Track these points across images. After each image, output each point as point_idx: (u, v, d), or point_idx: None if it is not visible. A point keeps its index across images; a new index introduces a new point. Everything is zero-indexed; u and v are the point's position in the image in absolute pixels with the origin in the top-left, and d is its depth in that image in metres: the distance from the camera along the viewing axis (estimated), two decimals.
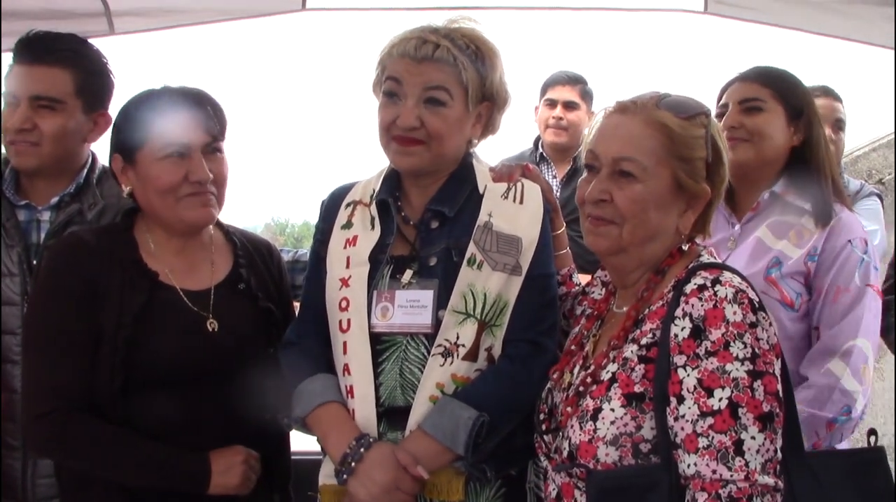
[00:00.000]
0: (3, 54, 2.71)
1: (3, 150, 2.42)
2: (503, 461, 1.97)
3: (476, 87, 2.04)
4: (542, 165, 4.48)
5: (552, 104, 4.41)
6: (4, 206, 2.35)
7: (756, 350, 1.55)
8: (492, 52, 2.08)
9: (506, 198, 2.09)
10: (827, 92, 3.66)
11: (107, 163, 2.52)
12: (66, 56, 2.33)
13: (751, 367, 1.54)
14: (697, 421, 1.53)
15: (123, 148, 2.08)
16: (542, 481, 1.93)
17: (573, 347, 1.91)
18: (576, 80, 4.45)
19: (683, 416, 1.55)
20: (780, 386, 1.56)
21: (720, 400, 1.52)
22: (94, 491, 2.00)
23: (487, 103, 2.10)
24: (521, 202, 2.09)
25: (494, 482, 1.98)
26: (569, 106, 4.40)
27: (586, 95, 4.46)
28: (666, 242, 1.76)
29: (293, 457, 2.32)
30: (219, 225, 2.26)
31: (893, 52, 3.06)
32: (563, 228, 2.24)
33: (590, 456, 1.63)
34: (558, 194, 4.37)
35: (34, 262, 2.30)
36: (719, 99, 2.50)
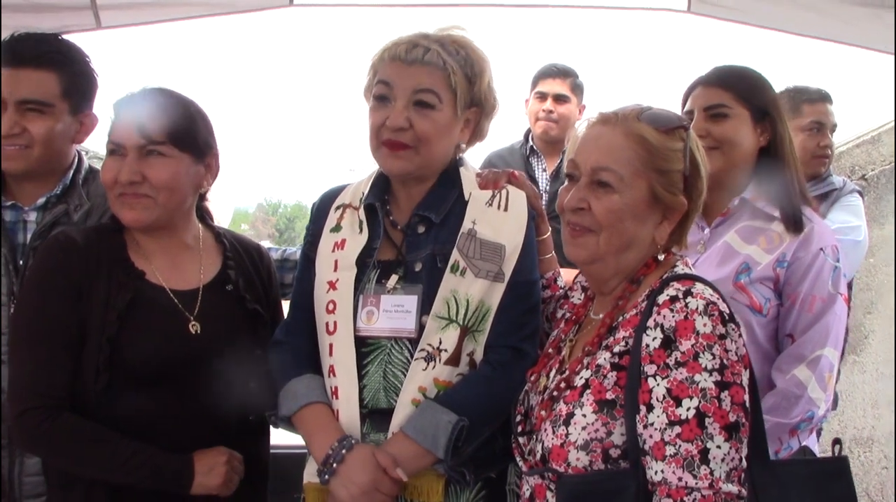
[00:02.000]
0: None
1: None
2: (483, 463, 2.01)
3: (464, 92, 2.07)
4: (532, 158, 4.49)
5: (542, 97, 4.41)
6: None
7: (724, 361, 1.59)
8: (481, 59, 2.11)
9: (490, 205, 2.11)
10: (825, 97, 3.70)
11: (93, 164, 2.55)
12: (53, 58, 2.33)
13: (719, 378, 1.57)
14: (665, 429, 1.57)
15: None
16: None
17: (550, 350, 1.95)
18: (566, 73, 4.45)
19: (652, 424, 1.59)
20: (747, 397, 1.60)
21: (688, 409, 1.56)
22: (78, 489, 2.04)
23: (476, 109, 2.13)
24: (506, 209, 2.11)
25: (474, 484, 2.01)
26: (559, 99, 4.40)
27: (577, 88, 4.46)
28: (642, 252, 1.80)
29: (277, 452, 2.36)
30: (209, 226, 2.29)
31: (894, 55, 3.07)
32: (549, 233, 2.27)
33: (561, 459, 1.67)
34: (547, 187, 4.39)
35: (20, 263, 2.33)
36: (684, 103, 2.50)
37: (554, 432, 1.70)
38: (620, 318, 1.75)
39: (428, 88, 2.03)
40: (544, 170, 4.46)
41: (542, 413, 1.77)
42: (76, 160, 2.48)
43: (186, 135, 2.11)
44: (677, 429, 1.56)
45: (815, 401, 2.24)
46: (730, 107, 2.40)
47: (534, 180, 4.41)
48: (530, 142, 4.52)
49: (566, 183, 1.84)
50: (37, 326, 2.03)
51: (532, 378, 1.92)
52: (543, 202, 2.50)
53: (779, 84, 3.70)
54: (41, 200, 2.39)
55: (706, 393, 1.56)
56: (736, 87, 2.42)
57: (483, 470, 2.02)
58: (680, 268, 1.78)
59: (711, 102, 2.41)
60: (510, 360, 2.01)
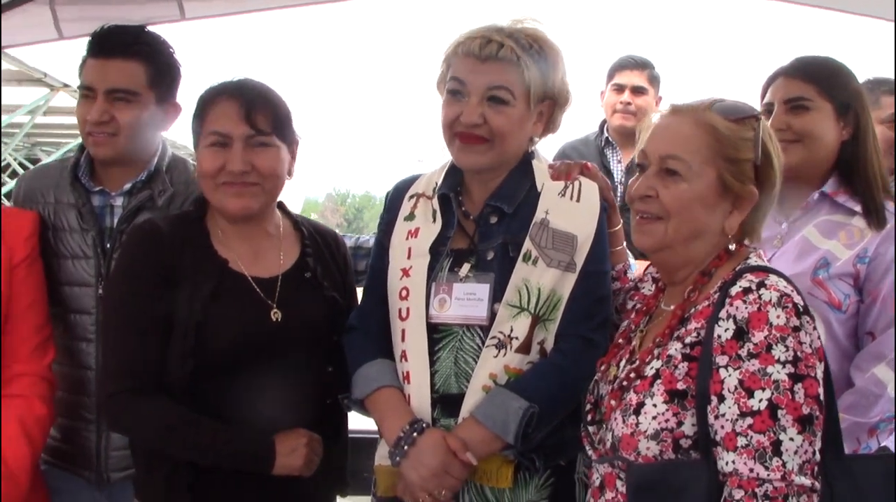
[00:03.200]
0: (75, 39, 2.81)
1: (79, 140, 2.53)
2: (553, 451, 2.03)
3: (538, 87, 2.08)
4: (606, 149, 4.46)
5: (620, 89, 4.37)
6: (80, 192, 2.46)
7: (798, 353, 1.58)
8: (554, 52, 2.11)
9: (563, 195, 2.13)
10: None
11: (176, 151, 2.63)
12: (140, 49, 2.42)
13: (792, 370, 1.57)
14: (737, 420, 1.57)
15: (194, 134, 2.19)
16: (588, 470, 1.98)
17: (620, 341, 1.96)
18: (644, 65, 4.41)
19: (724, 415, 1.59)
20: (821, 390, 1.59)
21: (760, 401, 1.56)
22: (163, 468, 2.11)
23: (549, 102, 2.14)
24: (578, 200, 2.13)
25: (543, 471, 2.04)
26: (637, 91, 4.35)
27: (654, 80, 4.42)
28: (711, 241, 1.79)
29: (355, 436, 2.40)
30: (287, 214, 2.34)
31: (894, 23, 2.94)
32: (620, 225, 2.27)
33: (631, 448, 1.68)
34: (622, 179, 4.36)
35: (107, 246, 2.42)
36: (763, 95, 2.44)
37: (624, 421, 1.71)
38: (692, 310, 1.75)
39: (501, 85, 2.04)
40: (619, 161, 4.43)
41: (612, 402, 1.78)
42: (161, 147, 2.56)
43: (285, 125, 2.17)
44: (749, 421, 1.56)
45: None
46: (811, 99, 2.33)
47: (608, 172, 4.39)
48: (605, 134, 4.48)
49: (637, 174, 1.85)
50: (126, 312, 2.10)
51: (602, 368, 1.93)
52: (617, 194, 2.48)
53: (865, 73, 3.62)
54: (127, 186, 2.48)
55: (779, 384, 1.56)
56: (818, 78, 2.35)
57: (553, 458, 2.04)
58: (753, 260, 1.77)
59: (792, 95, 2.35)
60: (580, 350, 2.03)
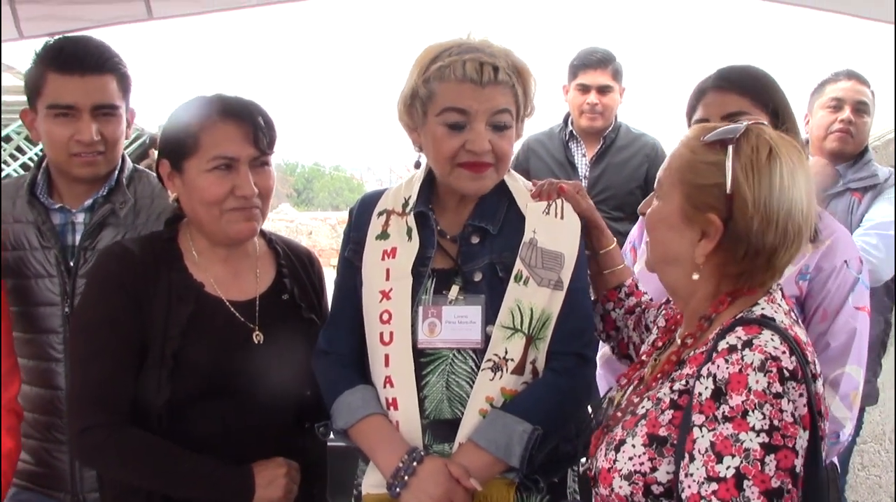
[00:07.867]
0: (36, 39, 2.71)
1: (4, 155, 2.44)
2: (549, 469, 2.04)
3: (522, 104, 2.08)
4: (571, 143, 4.48)
5: (585, 89, 4.36)
6: (39, 210, 2.39)
7: (776, 422, 1.49)
8: (526, 69, 2.09)
9: (547, 213, 2.13)
10: (850, 75, 3.66)
11: (136, 165, 2.57)
12: (110, 62, 2.36)
13: (766, 440, 1.48)
14: (703, 483, 1.50)
15: (171, 154, 2.09)
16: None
17: (644, 358, 1.91)
18: (606, 62, 4.39)
19: (692, 475, 1.52)
20: (798, 461, 1.51)
21: (727, 468, 1.48)
22: (136, 500, 2.03)
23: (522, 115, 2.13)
24: (562, 217, 2.13)
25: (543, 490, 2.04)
26: (603, 90, 4.36)
27: (617, 74, 4.41)
28: (686, 270, 1.71)
29: (329, 445, 2.34)
30: (261, 233, 2.26)
31: (894, 25, 2.94)
32: (615, 244, 2.26)
33: (607, 484, 1.65)
34: (587, 173, 4.39)
35: (71, 264, 2.36)
36: (691, 111, 2.33)
37: (605, 455, 1.68)
38: (692, 353, 1.68)
39: (504, 109, 2.02)
40: (584, 155, 4.45)
41: (602, 431, 1.76)
42: (121, 160, 2.49)
43: (276, 141, 2.13)
44: (714, 486, 1.49)
45: (839, 421, 2.19)
46: (749, 112, 2.21)
47: (573, 165, 4.43)
48: (570, 127, 4.49)
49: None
50: (97, 341, 2.01)
51: (622, 382, 1.89)
52: (584, 188, 2.46)
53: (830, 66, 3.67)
54: (88, 202, 2.42)
55: (749, 453, 1.48)
56: (751, 90, 2.26)
57: (549, 475, 2.05)
58: (759, 308, 1.65)
59: (731, 110, 2.22)
60: (576, 367, 2.04)
